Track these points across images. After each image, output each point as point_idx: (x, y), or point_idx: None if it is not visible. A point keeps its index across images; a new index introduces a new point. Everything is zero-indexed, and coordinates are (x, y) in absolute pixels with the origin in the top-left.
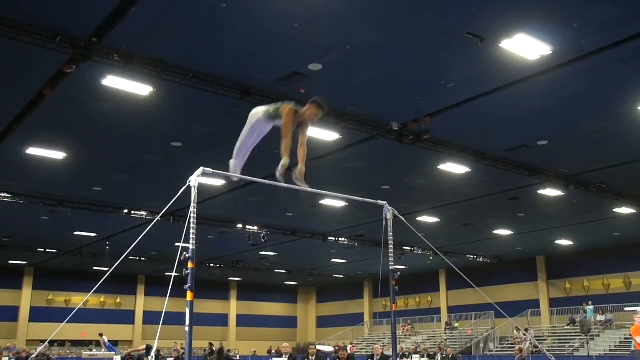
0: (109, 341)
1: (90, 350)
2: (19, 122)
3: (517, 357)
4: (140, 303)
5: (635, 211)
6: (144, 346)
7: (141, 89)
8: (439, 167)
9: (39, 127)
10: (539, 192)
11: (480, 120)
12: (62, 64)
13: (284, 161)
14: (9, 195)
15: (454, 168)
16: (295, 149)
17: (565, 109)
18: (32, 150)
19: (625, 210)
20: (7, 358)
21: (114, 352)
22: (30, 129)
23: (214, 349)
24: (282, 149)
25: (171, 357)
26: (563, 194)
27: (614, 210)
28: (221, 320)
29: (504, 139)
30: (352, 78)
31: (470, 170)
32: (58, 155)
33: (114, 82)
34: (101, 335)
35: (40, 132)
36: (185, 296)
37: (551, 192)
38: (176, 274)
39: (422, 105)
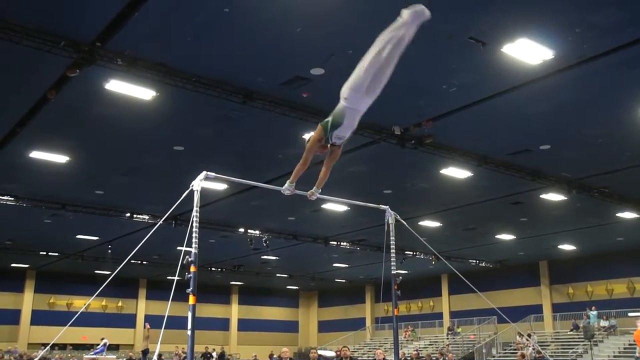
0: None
1: None
2: (23, 125)
3: None
4: (142, 307)
5: (638, 216)
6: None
7: (144, 93)
8: (441, 171)
9: (43, 130)
10: (541, 196)
11: (482, 124)
12: (66, 68)
13: (288, 186)
14: (12, 199)
15: (456, 172)
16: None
17: (567, 113)
18: (35, 154)
19: (628, 215)
20: None
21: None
22: (33, 133)
23: (212, 353)
24: (293, 172)
25: None
26: (566, 198)
27: (617, 214)
28: (222, 324)
29: (506, 144)
30: None
31: (472, 174)
32: (61, 158)
33: (117, 86)
34: (102, 339)
35: (44, 135)
36: (186, 300)
37: (554, 196)
38: (178, 278)
39: (424, 109)
